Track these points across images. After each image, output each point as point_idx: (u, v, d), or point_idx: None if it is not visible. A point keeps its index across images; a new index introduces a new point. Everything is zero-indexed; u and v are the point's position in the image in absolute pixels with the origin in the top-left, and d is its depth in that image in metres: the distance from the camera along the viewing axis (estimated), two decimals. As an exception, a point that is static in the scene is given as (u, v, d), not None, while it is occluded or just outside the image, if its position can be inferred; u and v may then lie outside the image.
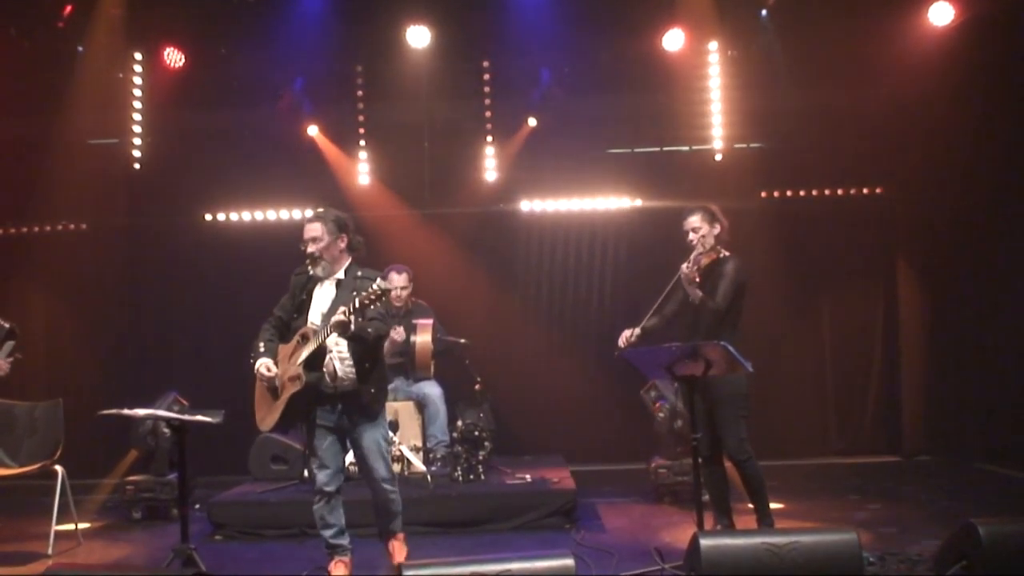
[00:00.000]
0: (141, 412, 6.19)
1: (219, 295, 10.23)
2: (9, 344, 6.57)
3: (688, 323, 6.24)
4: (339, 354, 5.59)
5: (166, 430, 7.64)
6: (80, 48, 9.45)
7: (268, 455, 8.35)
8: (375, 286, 5.36)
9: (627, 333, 6.24)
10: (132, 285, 10.49)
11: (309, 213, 5.97)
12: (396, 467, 7.21)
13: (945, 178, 9.54)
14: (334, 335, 5.47)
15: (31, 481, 7.14)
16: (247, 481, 8.29)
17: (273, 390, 5.74)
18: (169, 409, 7.39)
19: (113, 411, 5.96)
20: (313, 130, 10.26)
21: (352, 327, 5.42)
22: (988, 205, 9.19)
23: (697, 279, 6.06)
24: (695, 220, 6.30)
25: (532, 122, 10.19)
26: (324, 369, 5.59)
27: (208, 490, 8.12)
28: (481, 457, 7.76)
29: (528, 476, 7.81)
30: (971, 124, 9.05)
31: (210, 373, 9.51)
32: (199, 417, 5.99)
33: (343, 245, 5.84)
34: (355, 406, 5.73)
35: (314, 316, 5.74)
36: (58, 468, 6.89)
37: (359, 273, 5.80)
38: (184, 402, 7.91)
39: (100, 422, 6.41)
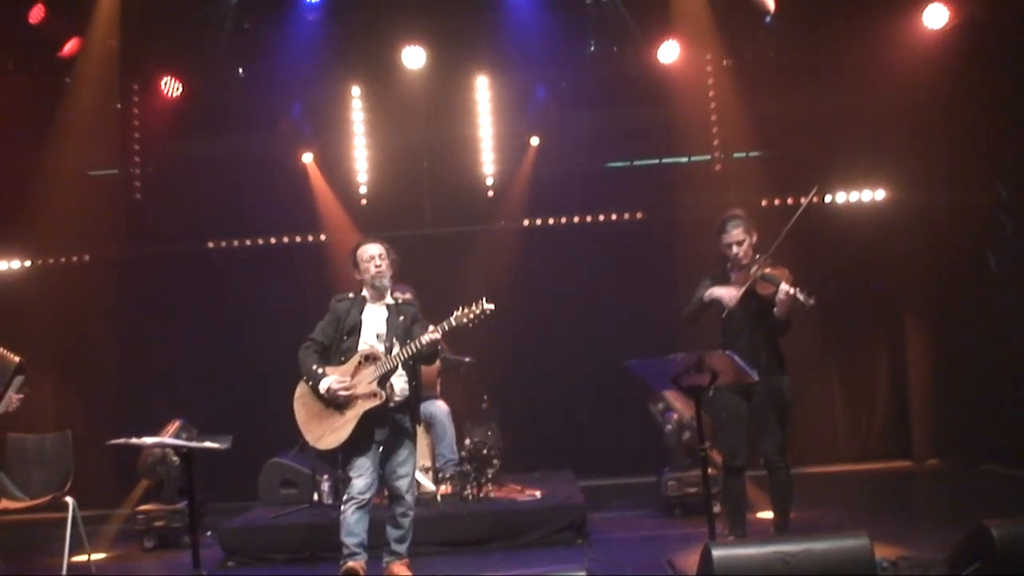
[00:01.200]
0: (149, 441, 6.19)
1: (223, 322, 10.20)
2: (19, 380, 6.59)
3: (746, 331, 6.04)
4: (397, 372, 5.99)
5: (175, 458, 7.63)
6: (68, 80, 9.48)
7: (277, 480, 8.32)
8: (477, 305, 5.81)
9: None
10: (136, 315, 10.44)
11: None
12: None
13: (947, 179, 9.53)
14: (408, 352, 5.88)
15: (42, 513, 7.13)
16: (257, 506, 8.27)
17: (338, 407, 5.91)
18: (177, 436, 7.38)
19: (121, 441, 5.95)
20: (308, 157, 10.27)
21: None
22: (992, 205, 9.17)
23: (805, 296, 5.73)
24: (739, 232, 6.02)
25: (535, 141, 10.20)
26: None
27: (219, 517, 8.08)
28: (490, 475, 7.74)
29: (538, 492, 7.78)
30: (969, 123, 9.05)
31: (216, 399, 9.49)
32: (207, 444, 5.98)
33: (391, 272, 6.21)
34: (405, 418, 6.06)
35: (368, 337, 6.05)
36: (69, 499, 6.84)
37: (399, 298, 6.24)
38: (192, 429, 7.89)
39: (109, 452, 6.42)
